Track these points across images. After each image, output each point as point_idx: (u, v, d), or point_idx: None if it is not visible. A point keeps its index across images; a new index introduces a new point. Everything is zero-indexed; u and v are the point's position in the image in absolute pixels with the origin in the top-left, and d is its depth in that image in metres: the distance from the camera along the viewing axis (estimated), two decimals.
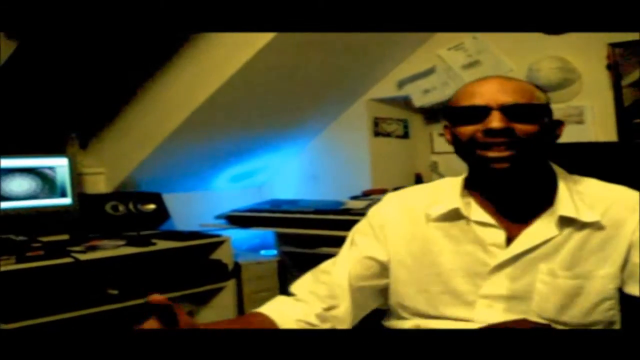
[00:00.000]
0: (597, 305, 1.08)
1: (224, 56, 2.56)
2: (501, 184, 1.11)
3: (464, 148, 1.10)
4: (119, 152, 2.98)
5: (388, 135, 3.35)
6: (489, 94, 1.07)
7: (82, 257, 2.27)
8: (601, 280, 1.07)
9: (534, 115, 1.08)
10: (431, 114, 3.37)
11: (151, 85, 2.83)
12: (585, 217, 1.08)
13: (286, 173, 3.72)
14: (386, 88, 3.20)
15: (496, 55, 2.83)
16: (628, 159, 1.35)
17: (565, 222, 1.09)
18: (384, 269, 1.22)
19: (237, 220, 3.14)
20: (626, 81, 2.50)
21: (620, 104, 2.52)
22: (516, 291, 1.09)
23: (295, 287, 1.27)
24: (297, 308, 1.21)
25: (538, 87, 1.14)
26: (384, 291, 1.24)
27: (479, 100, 1.08)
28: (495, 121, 1.04)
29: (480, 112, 1.07)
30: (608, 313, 1.09)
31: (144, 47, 2.65)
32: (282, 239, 3.23)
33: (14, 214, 2.51)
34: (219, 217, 3.22)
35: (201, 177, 3.34)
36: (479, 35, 2.87)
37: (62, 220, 2.64)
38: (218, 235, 2.82)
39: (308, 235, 2.79)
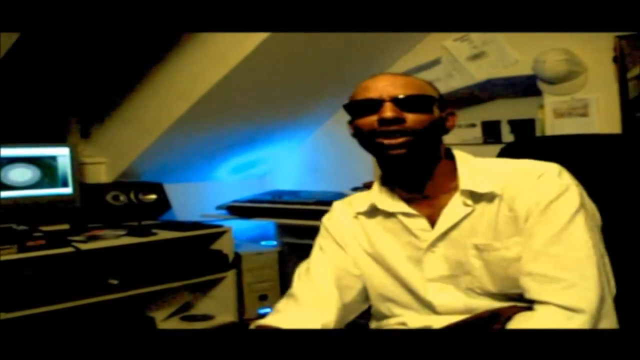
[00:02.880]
0: None
1: (227, 47, 2.55)
2: (400, 169, 1.21)
3: (365, 138, 1.19)
4: (121, 141, 2.97)
5: None
6: (381, 87, 1.17)
7: (83, 246, 2.28)
8: (517, 247, 1.12)
9: (423, 105, 1.17)
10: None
11: (153, 75, 2.82)
12: (481, 188, 1.15)
13: (288, 164, 3.71)
14: None
15: (502, 47, 2.81)
16: (631, 152, 1.33)
17: (471, 196, 1.16)
18: (354, 267, 1.29)
19: (238, 210, 3.14)
20: (632, 74, 2.48)
21: (626, 97, 2.50)
22: (455, 270, 1.18)
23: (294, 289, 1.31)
24: (300, 315, 1.25)
25: (429, 83, 1.24)
26: (365, 290, 1.31)
27: (373, 94, 1.17)
28: (388, 111, 1.14)
29: (375, 104, 1.16)
30: None
31: (146, 37, 2.64)
32: (282, 229, 3.23)
33: (15, 203, 2.50)
34: (220, 207, 3.22)
35: (203, 167, 3.33)
36: None
37: (63, 209, 2.65)
38: (219, 226, 2.82)
39: (309, 226, 2.77)
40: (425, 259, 1.19)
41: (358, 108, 1.20)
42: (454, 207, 1.17)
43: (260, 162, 3.62)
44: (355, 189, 3.03)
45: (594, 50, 2.59)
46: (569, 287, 1.04)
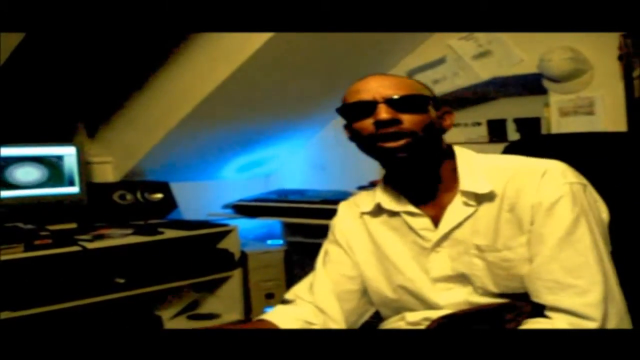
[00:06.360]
0: None
1: (233, 45, 2.55)
2: (404, 171, 1.19)
3: (365, 143, 1.17)
4: (127, 141, 2.98)
5: None
6: (374, 89, 1.14)
7: (90, 245, 2.29)
8: (522, 249, 1.10)
9: (418, 105, 1.14)
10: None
11: (160, 74, 2.82)
12: (480, 189, 1.13)
13: (294, 163, 3.71)
14: None
15: (507, 46, 2.80)
16: (637, 150, 1.33)
17: (473, 197, 1.14)
18: (356, 271, 1.28)
19: (244, 209, 3.14)
20: (637, 72, 2.47)
21: (631, 95, 2.49)
22: (459, 270, 1.16)
23: (290, 294, 1.33)
24: (296, 310, 1.27)
25: (421, 82, 1.22)
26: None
27: (365, 96, 1.14)
28: (383, 112, 1.11)
29: (369, 106, 1.13)
30: None
31: (153, 36, 2.65)
32: (288, 228, 3.23)
33: (21, 202, 2.52)
34: (226, 206, 3.22)
35: (209, 166, 3.34)
36: None
37: (70, 209, 2.66)
38: (225, 225, 2.82)
39: (315, 225, 2.78)
40: (430, 258, 1.18)
41: (351, 111, 1.18)
42: (456, 208, 1.16)
43: (266, 161, 3.63)
44: (362, 188, 3.03)
45: (599, 49, 2.59)
46: (579, 295, 1.02)
